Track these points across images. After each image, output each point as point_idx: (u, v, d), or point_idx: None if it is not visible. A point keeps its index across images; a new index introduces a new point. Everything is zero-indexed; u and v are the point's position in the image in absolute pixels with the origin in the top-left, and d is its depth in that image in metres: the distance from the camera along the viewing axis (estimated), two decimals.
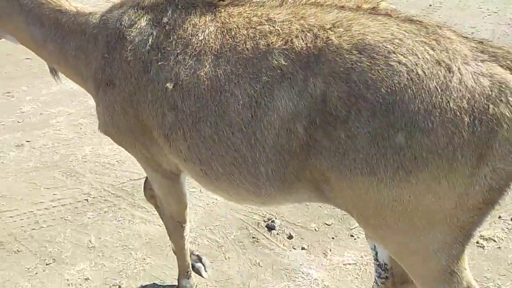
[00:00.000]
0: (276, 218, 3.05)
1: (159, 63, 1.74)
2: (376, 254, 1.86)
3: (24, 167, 3.79)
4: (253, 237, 2.94)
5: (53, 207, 3.35)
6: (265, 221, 3.05)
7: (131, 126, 1.93)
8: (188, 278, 2.59)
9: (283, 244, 2.89)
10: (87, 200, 3.39)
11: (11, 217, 3.28)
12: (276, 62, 1.52)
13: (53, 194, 3.47)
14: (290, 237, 2.92)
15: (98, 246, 2.98)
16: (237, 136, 1.60)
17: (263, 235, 2.95)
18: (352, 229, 2.94)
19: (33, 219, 3.25)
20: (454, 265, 1.50)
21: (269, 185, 1.66)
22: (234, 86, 1.58)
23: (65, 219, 3.23)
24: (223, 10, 1.72)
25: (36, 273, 2.83)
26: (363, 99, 1.37)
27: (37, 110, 4.64)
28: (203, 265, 2.73)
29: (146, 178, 2.79)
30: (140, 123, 1.90)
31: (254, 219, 3.09)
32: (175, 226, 2.38)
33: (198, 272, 2.70)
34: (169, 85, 1.70)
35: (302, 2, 1.63)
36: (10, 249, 3.01)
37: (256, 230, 3.00)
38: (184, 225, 2.39)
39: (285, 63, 1.50)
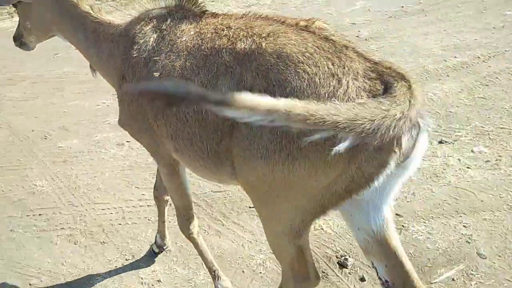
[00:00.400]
0: (350, 256, 2.93)
1: (154, 58, 2.15)
2: (377, 271, 1.94)
3: (121, 165, 4.13)
4: (323, 272, 2.85)
5: (140, 206, 3.59)
6: (337, 257, 2.95)
7: (136, 116, 2.27)
8: (218, 280, 2.70)
9: (354, 286, 2.75)
10: (170, 204, 3.56)
11: (102, 209, 3.58)
12: (224, 58, 1.92)
13: (142, 194, 3.72)
14: (362, 279, 2.79)
15: (173, 251, 3.11)
16: (190, 114, 2.00)
17: (334, 271, 2.85)
18: (432, 283, 2.72)
19: (120, 214, 3.51)
20: (301, 227, 1.88)
21: (210, 160, 2.01)
22: (195, 75, 1.99)
23: (148, 219, 3.44)
24: (204, 20, 2.16)
25: (116, 266, 3.04)
26: (274, 95, 1.67)
27: None
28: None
29: (156, 179, 3.09)
30: (141, 111, 2.24)
31: (326, 252, 3.00)
32: (182, 220, 2.64)
33: None
34: (156, 74, 2.11)
35: (256, 16, 2.03)
36: (98, 240, 3.28)
37: (327, 264, 2.90)
38: (191, 221, 2.63)
39: (229, 60, 1.90)
